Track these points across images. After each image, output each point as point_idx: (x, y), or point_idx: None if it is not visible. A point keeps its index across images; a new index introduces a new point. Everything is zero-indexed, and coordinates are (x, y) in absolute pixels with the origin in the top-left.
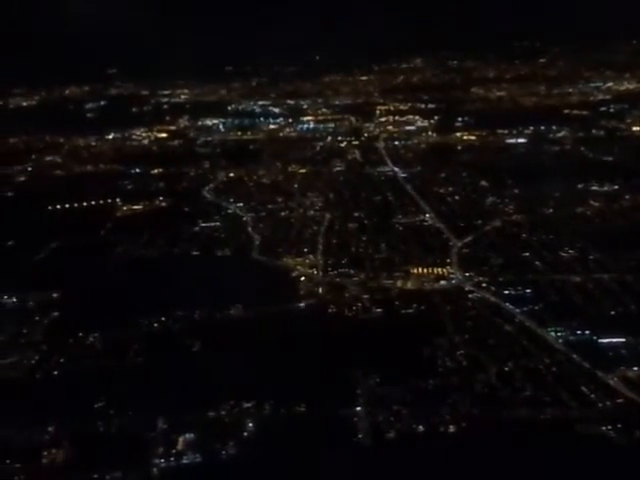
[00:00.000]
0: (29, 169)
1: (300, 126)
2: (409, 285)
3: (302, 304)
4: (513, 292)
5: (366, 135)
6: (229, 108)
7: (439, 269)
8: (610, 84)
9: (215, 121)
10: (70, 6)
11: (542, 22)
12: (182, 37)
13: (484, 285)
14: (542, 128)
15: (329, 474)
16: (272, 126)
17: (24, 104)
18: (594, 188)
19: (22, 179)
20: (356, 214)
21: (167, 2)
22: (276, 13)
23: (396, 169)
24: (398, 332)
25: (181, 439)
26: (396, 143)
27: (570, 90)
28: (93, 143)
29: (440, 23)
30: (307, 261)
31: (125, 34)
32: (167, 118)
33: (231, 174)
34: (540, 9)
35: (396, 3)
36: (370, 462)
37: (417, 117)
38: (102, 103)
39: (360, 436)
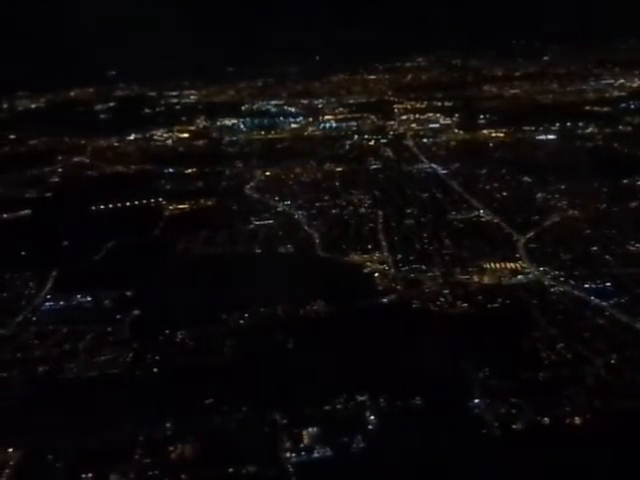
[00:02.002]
0: (59, 170)
1: (322, 125)
2: (486, 280)
3: (384, 300)
4: (594, 286)
5: (392, 133)
6: (243, 108)
7: (511, 264)
8: (621, 81)
9: (234, 121)
10: (66, 8)
11: (539, 20)
12: (180, 38)
13: (562, 279)
14: (568, 125)
15: (461, 466)
16: (294, 125)
17: (32, 106)
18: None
19: (55, 180)
20: (408, 211)
21: (163, 3)
22: (274, 13)
23: (434, 166)
24: (491, 326)
25: (305, 433)
26: (425, 141)
27: (584, 87)
28: (116, 144)
29: (437, 22)
30: (375, 257)
31: (122, 35)
32: (183, 118)
33: (267, 172)
34: (537, 7)
35: (393, 2)
36: (502, 453)
37: (438, 115)
38: (111, 104)
39: (487, 428)
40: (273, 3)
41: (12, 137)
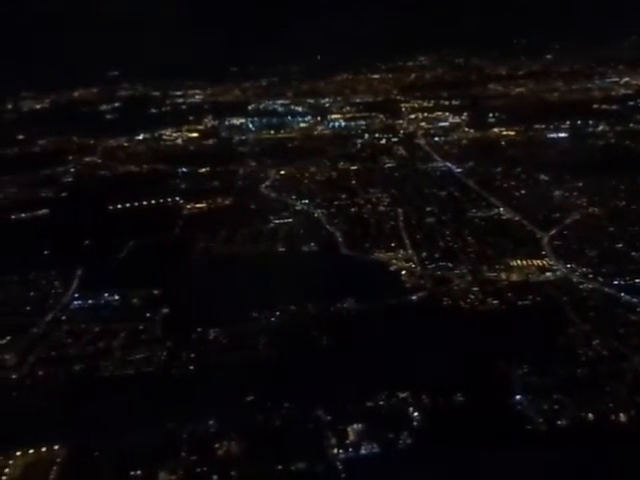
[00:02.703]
0: (71, 170)
1: (331, 124)
2: (514, 277)
3: (413, 297)
4: (623, 282)
5: (402, 132)
6: (250, 107)
7: (538, 261)
8: (626, 79)
9: (242, 120)
10: (66, 9)
11: (539, 19)
12: (181, 38)
13: (590, 276)
14: (578, 123)
15: (509, 462)
16: (302, 124)
17: (37, 107)
18: None
19: (69, 180)
20: (428, 209)
21: (163, 4)
22: (273, 14)
23: (448, 164)
24: (524, 323)
25: (350, 430)
26: (436, 139)
27: (589, 85)
28: (125, 144)
29: (437, 21)
30: (400, 255)
31: (123, 36)
32: (191, 118)
33: (282, 172)
34: (536, 6)
35: (393, 2)
36: (549, 449)
37: (447, 113)
38: (116, 105)
39: (532, 424)
40: (273, 3)
41: (20, 137)
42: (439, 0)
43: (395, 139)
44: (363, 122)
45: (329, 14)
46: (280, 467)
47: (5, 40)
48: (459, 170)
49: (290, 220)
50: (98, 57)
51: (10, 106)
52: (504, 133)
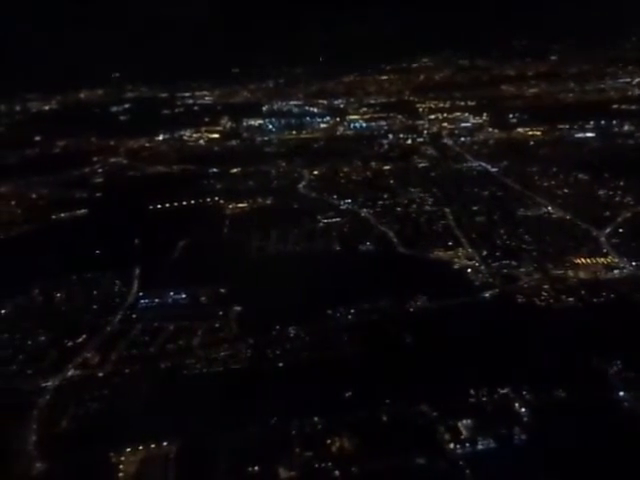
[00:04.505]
0: (99, 170)
1: (352, 125)
2: (582, 275)
3: (485, 295)
4: None
5: (426, 132)
6: (264, 108)
7: (602, 259)
8: (638, 79)
9: (260, 121)
10: (65, 11)
11: (539, 20)
12: (179, 40)
13: None
14: (602, 123)
15: (626, 456)
16: (322, 125)
17: (45, 108)
18: None
19: (99, 180)
20: (474, 208)
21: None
22: (273, 15)
23: (482, 164)
24: (606, 320)
25: (461, 425)
26: (462, 139)
27: (602, 86)
28: (147, 144)
29: (436, 23)
30: (460, 254)
31: (121, 37)
32: (206, 119)
33: (315, 172)
34: (535, 7)
35: (394, 3)
36: None
37: (466, 114)
38: (126, 106)
39: None
40: (273, 4)
41: (37, 139)
42: (437, 2)
43: (420, 139)
44: (383, 123)
45: (328, 16)
46: (400, 463)
47: (4, 41)
48: (494, 170)
49: (338, 219)
50: (96, 59)
51: (18, 107)
52: (530, 133)
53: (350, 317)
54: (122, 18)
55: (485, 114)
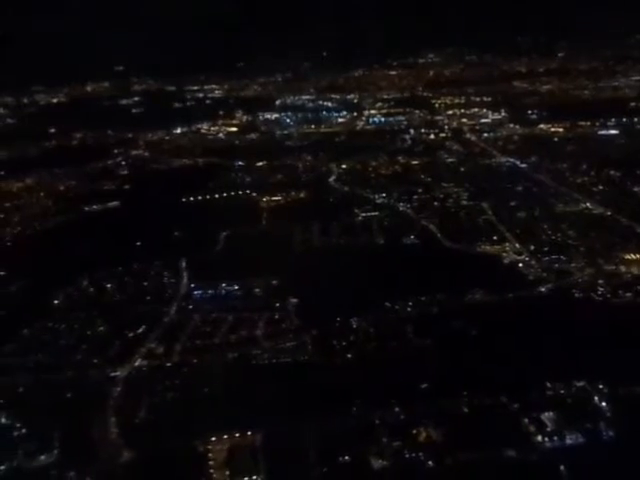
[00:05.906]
0: (122, 163)
1: (371, 119)
2: (635, 270)
3: (541, 289)
4: None
5: (447, 128)
6: (277, 102)
7: None
8: None
9: (276, 115)
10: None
11: (542, 17)
12: (180, 34)
13: None
14: (624, 120)
15: None
16: (340, 120)
17: (54, 101)
18: None
19: (124, 173)
20: (512, 203)
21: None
22: (277, 10)
23: (511, 160)
24: None
25: (544, 418)
26: (485, 135)
27: (616, 83)
28: (166, 137)
29: (440, 19)
30: (507, 248)
31: (123, 32)
32: (220, 113)
33: (343, 165)
34: (539, 3)
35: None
36: None
37: (485, 110)
38: (137, 99)
39: None
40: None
41: (52, 131)
42: None
43: (443, 135)
44: (402, 118)
45: (330, 12)
46: (491, 455)
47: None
48: (524, 165)
49: (377, 213)
50: (99, 52)
51: (26, 100)
52: (552, 130)
53: (409, 309)
54: (123, 11)
55: (503, 110)
